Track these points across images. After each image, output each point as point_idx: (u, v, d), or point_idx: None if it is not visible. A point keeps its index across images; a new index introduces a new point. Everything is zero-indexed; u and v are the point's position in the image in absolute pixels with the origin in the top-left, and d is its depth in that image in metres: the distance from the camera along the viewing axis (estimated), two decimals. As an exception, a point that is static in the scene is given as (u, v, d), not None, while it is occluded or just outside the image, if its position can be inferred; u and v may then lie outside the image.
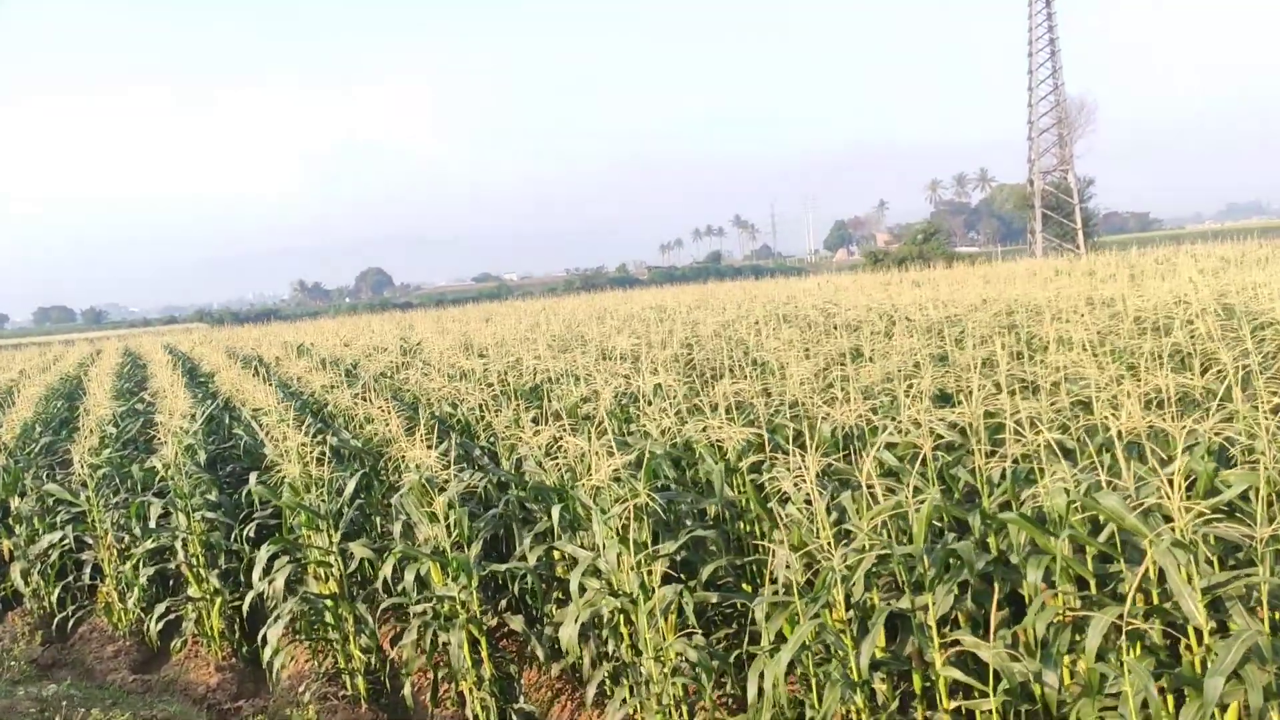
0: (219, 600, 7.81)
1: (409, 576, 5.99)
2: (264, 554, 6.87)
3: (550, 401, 8.00)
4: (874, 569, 4.24)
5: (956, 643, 3.94)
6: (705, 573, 5.29)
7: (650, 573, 5.11)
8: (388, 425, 7.86)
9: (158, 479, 8.69)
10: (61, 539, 8.71)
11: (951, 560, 4.12)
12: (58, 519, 8.97)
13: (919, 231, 54.84)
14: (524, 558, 6.04)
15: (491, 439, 7.83)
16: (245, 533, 7.80)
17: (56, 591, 8.78)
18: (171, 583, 8.69)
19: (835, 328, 10.68)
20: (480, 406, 8.18)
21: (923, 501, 4.10)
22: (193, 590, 7.90)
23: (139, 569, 8.12)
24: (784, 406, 6.50)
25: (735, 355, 8.97)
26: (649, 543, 5.15)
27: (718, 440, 5.86)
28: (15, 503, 9.35)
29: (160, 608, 7.90)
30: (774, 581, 4.68)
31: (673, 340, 10.47)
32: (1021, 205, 64.25)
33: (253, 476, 8.03)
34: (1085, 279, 15.57)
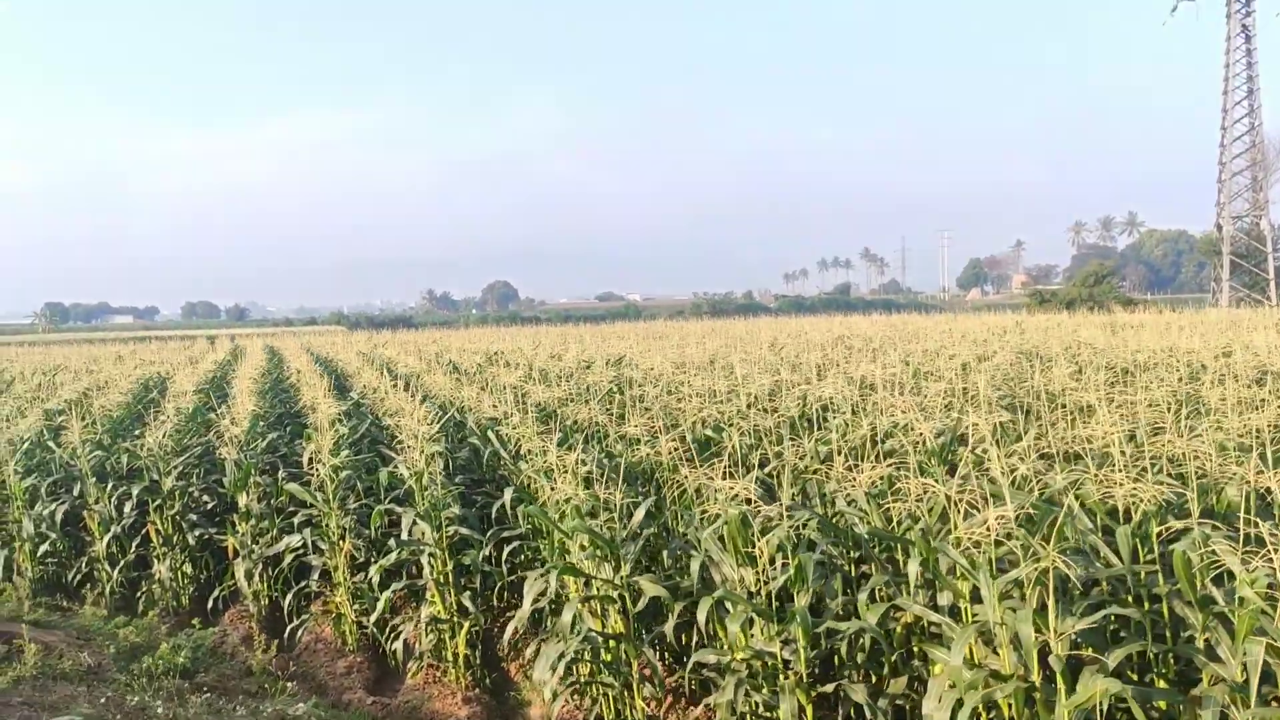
0: (466, 623, 7.26)
1: (733, 627, 5.24)
2: (535, 582, 6.26)
3: (829, 432, 7.20)
4: None
5: None
6: (1114, 658, 4.40)
7: (1057, 656, 4.25)
8: (655, 449, 7.18)
9: (389, 488, 8.25)
10: (300, 543, 8.32)
11: None
12: (295, 521, 8.60)
13: (1090, 274, 52.05)
14: (855, 615, 5.25)
15: (772, 471, 7.07)
16: (499, 553, 7.23)
17: (289, 598, 8.38)
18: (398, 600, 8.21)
19: (1128, 370, 9.61)
20: (756, 432, 7.43)
21: None
22: (437, 610, 7.37)
23: (380, 581, 7.62)
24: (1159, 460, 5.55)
25: (1028, 395, 8.03)
26: (1052, 617, 4.30)
27: (1105, 496, 4.98)
28: (243, 500, 9.03)
29: (407, 627, 7.39)
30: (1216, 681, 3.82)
31: (947, 372, 9.57)
32: (1208, 251, 60.31)
33: (508, 492, 7.49)
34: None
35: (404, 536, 7.42)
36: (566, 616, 5.87)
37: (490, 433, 8.92)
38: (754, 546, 5.41)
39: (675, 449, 7.06)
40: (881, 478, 5.68)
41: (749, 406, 8.53)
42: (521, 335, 28.54)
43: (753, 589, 5.49)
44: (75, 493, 10.29)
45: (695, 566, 5.79)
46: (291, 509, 8.95)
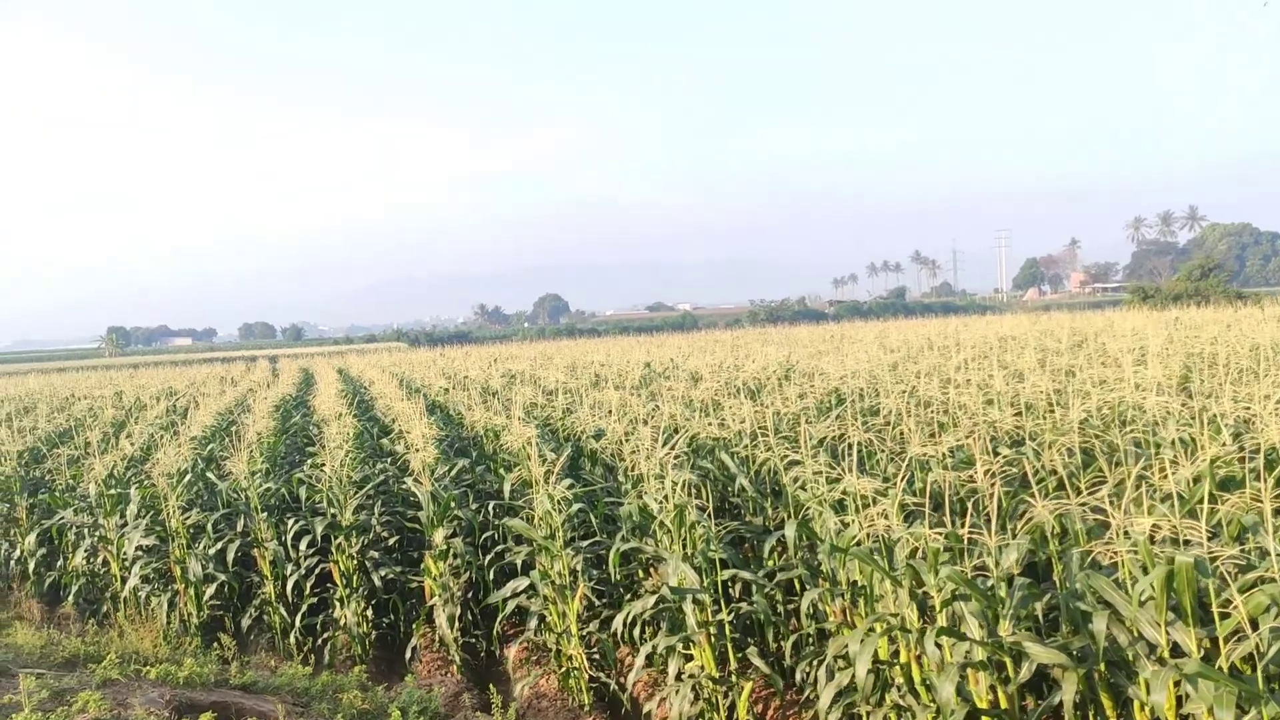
0: (747, 685, 6.16)
1: (1197, 708, 4.08)
2: (865, 641, 5.16)
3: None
4: None
5: None
6: None
7: None
8: (970, 474, 6.04)
9: (638, 524, 7.18)
10: (526, 586, 7.29)
11: None
12: (514, 560, 7.57)
13: (1195, 267, 49.72)
14: None
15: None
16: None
17: (514, 650, 7.35)
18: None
19: None
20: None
21: None
22: (707, 667, 6.28)
23: (622, 633, 6.56)
24: None
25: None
26: None
27: None
28: (439, 536, 8.04)
29: (669, 688, 6.30)
30: None
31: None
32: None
33: (789, 528, 6.37)
34: None
35: (670, 582, 6.33)
36: (946, 689, 4.74)
37: (722, 453, 7.82)
38: (1210, 603, 4.26)
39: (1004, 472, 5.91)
40: None
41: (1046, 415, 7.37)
42: (614, 346, 27.37)
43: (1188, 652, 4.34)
44: (239, 528, 9.38)
45: (1100, 626, 4.65)
46: (496, 546, 7.95)
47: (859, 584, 6.05)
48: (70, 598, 10.22)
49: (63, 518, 10.70)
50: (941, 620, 5.11)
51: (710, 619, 6.38)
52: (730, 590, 6.80)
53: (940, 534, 5.21)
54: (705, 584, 6.36)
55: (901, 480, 6.09)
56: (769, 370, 11.62)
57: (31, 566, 11.08)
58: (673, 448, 7.43)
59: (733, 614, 6.35)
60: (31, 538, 11.08)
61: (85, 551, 10.12)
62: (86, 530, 10.34)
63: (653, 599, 6.52)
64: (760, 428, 7.93)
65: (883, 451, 7.28)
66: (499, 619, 7.78)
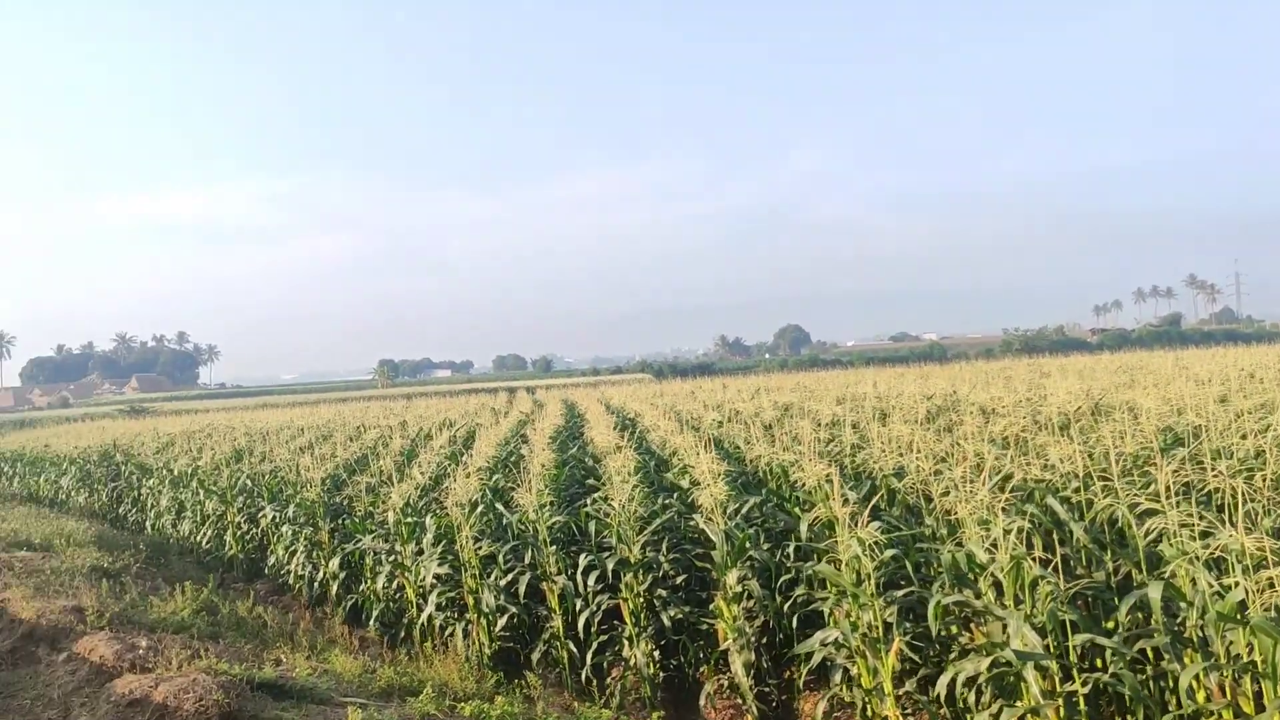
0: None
1: None
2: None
3: None
4: None
5: None
6: None
7: None
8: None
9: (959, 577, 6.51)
10: (836, 639, 6.78)
11: None
12: (820, 607, 7.09)
13: None
14: None
15: None
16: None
17: (821, 706, 6.83)
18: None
19: None
20: None
21: None
22: None
23: (946, 695, 5.89)
24: None
25: None
26: None
27: None
28: (733, 578, 7.66)
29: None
30: None
31: None
32: None
33: (1154, 589, 5.53)
34: None
35: (1013, 645, 5.62)
36: None
37: (1050, 498, 6.99)
38: None
39: None
40: None
41: None
42: (876, 377, 26.25)
43: None
44: (526, 560, 9.41)
45: None
46: (794, 590, 7.48)
47: (1236, 654, 5.16)
48: (371, 621, 10.65)
49: (360, 542, 11.20)
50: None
51: (1059, 689, 5.62)
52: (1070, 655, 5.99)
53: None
54: (1051, 648, 5.61)
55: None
56: (1072, 404, 10.53)
57: (334, 589, 11.68)
58: (1001, 490, 6.72)
59: (1088, 685, 5.56)
60: (335, 561, 11.69)
61: (385, 577, 10.51)
62: (383, 556, 10.76)
63: (986, 661, 5.83)
64: (1091, 470, 7.04)
65: (1255, 502, 6.25)
66: (804, 670, 7.28)
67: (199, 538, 16.31)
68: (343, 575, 11.67)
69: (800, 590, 7.62)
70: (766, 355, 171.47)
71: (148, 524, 18.97)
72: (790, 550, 7.91)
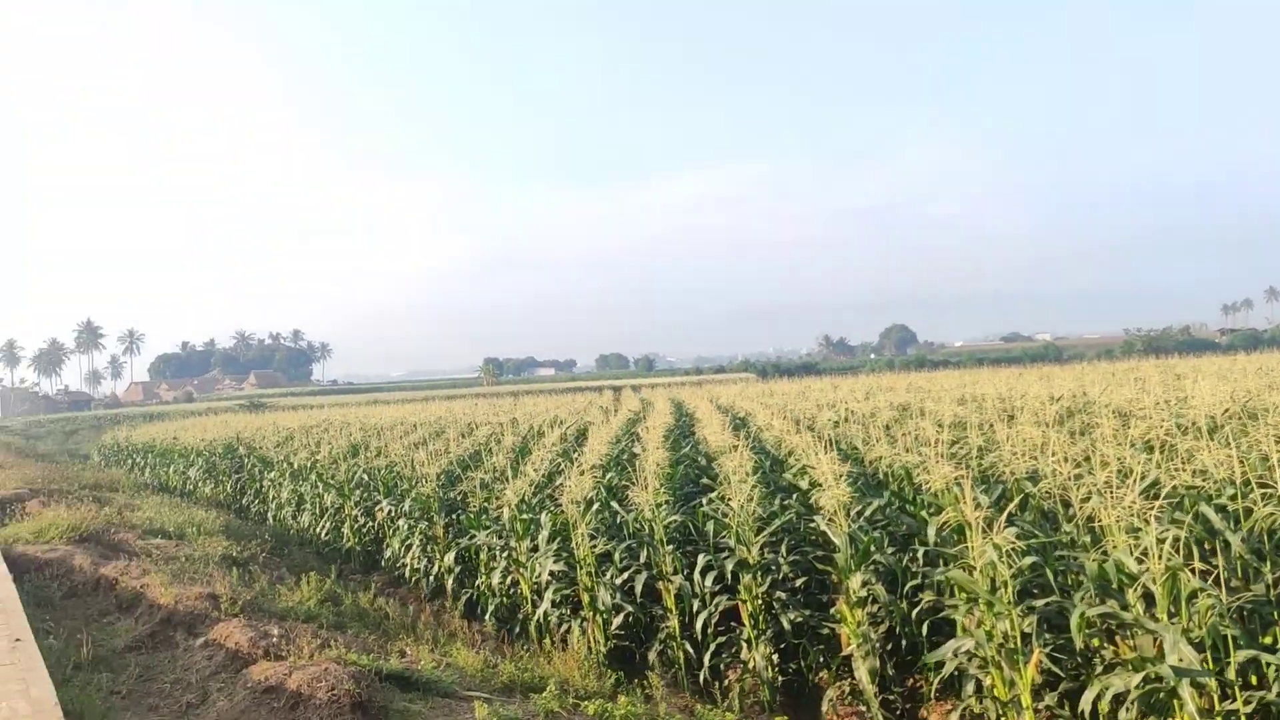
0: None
1: None
2: None
3: None
4: None
5: None
6: None
7: None
8: None
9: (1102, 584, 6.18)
10: (967, 649, 6.52)
11: None
12: (958, 617, 6.83)
13: None
14: None
15: None
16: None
17: (956, 718, 6.57)
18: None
19: None
20: None
21: None
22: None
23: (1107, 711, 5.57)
24: None
25: None
26: None
27: None
28: (856, 582, 7.45)
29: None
30: None
31: None
32: None
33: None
34: None
35: (1169, 660, 5.30)
36: None
37: (1203, 505, 6.59)
38: None
39: None
40: None
41: None
42: (994, 378, 25.13)
43: None
44: (641, 559, 9.34)
45: None
46: (920, 596, 7.22)
47: None
48: (487, 616, 10.74)
49: (475, 537, 11.30)
50: None
51: (1218, 707, 5.28)
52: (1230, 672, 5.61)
53: None
54: (1210, 665, 5.27)
55: None
56: (1220, 407, 9.94)
57: (449, 583, 11.83)
58: (1155, 496, 6.35)
59: (1251, 703, 5.20)
60: (450, 556, 11.84)
61: (500, 573, 10.58)
62: (498, 552, 10.84)
63: (1137, 676, 5.51)
64: (1250, 477, 6.60)
65: None
66: (934, 679, 7.03)
67: (318, 529, 16.78)
68: (457, 570, 11.81)
69: (927, 596, 7.36)
70: (872, 355, 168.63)
71: (269, 515, 19.60)
72: (918, 555, 7.65)
